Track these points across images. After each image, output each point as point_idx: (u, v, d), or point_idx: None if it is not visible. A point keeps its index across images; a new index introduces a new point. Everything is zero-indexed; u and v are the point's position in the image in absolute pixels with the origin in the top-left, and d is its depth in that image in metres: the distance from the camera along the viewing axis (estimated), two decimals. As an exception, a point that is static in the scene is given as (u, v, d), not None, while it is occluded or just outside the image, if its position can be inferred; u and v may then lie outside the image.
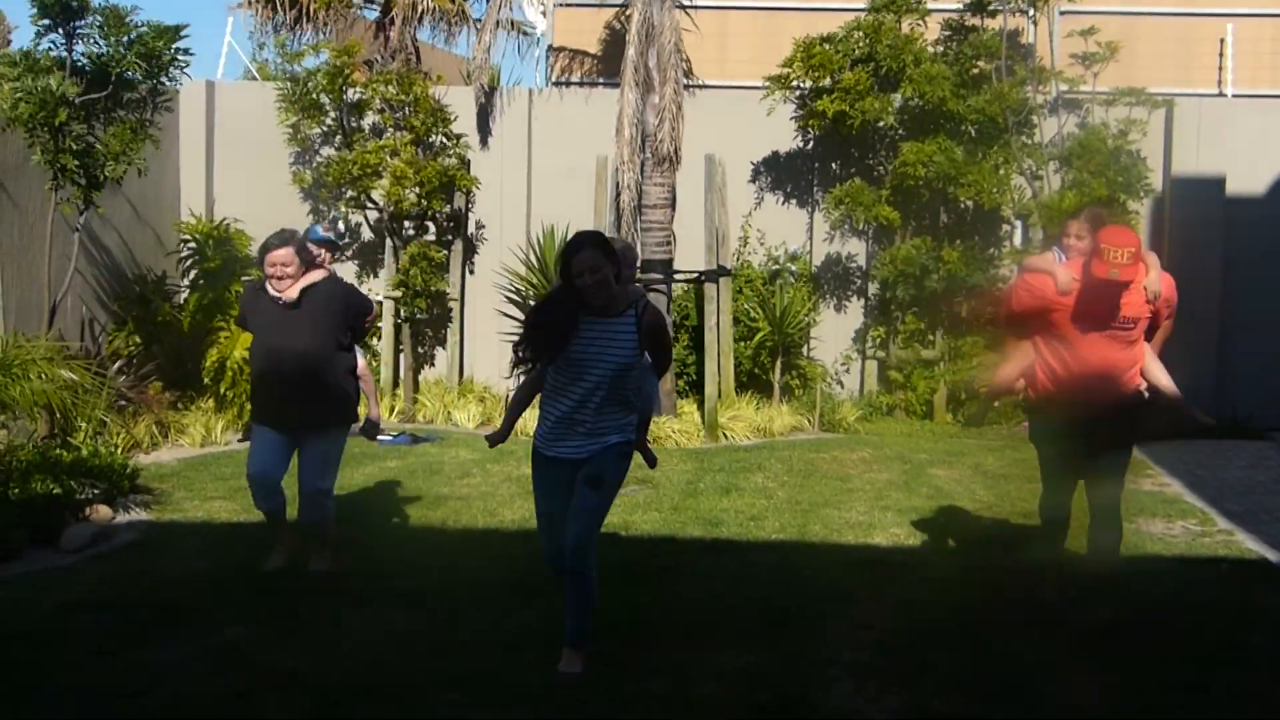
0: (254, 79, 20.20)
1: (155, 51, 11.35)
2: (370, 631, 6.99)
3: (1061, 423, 7.28)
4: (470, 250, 15.29)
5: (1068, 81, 14.49)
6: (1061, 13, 15.41)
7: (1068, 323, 7.09)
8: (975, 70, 14.46)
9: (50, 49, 11.16)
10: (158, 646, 6.65)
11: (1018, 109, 14.09)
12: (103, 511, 9.42)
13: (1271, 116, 14.95)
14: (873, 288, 15.15)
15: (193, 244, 13.91)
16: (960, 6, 14.76)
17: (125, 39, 11.28)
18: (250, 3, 16.59)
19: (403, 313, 14.90)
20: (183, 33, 11.61)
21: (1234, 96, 17.02)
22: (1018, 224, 14.85)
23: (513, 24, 17.53)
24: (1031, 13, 14.95)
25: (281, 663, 6.44)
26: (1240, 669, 6.65)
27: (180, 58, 11.67)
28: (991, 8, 14.54)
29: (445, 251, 15.01)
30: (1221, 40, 17.50)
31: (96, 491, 9.62)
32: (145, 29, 11.39)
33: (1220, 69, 17.59)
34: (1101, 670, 6.57)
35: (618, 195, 13.88)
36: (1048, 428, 7.49)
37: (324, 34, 16.38)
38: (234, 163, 15.47)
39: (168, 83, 11.73)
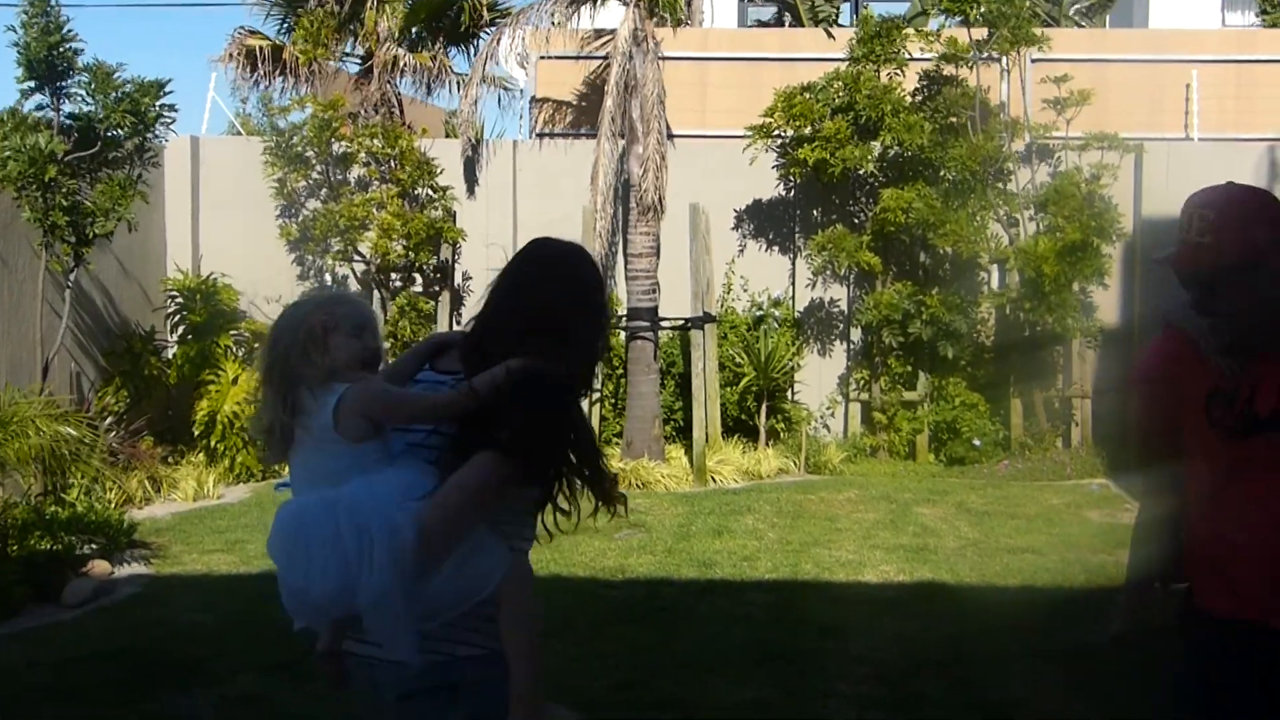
0: (238, 133, 20.37)
1: (141, 108, 11.51)
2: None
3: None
4: (458, 301, 15.45)
5: (1040, 129, 14.74)
6: (1033, 61, 15.67)
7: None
8: (952, 119, 14.72)
9: (36, 109, 11.32)
10: (174, 696, 6.77)
11: (993, 158, 14.34)
12: (102, 566, 9.49)
13: (1237, 159, 15.22)
14: (855, 332, 15.35)
15: (179, 299, 14.04)
16: (935, 56, 15.01)
17: (112, 96, 11.44)
18: (231, 56, 16.75)
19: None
20: (167, 88, 11.78)
21: (1200, 140, 17.32)
22: (994, 268, 15.09)
23: (495, 78, 17.76)
24: (1004, 61, 15.23)
25: (298, 709, 6.56)
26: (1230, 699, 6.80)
27: (166, 113, 11.85)
28: (965, 59, 14.80)
29: (433, 302, 15.16)
30: (1187, 85, 17.80)
31: (94, 547, 9.69)
32: (130, 86, 11.55)
33: (1187, 113, 17.88)
34: (1093, 700, 6.73)
35: (623, 245, 14.18)
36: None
37: (305, 88, 16.55)
38: (220, 217, 15.59)
39: (154, 139, 11.89)
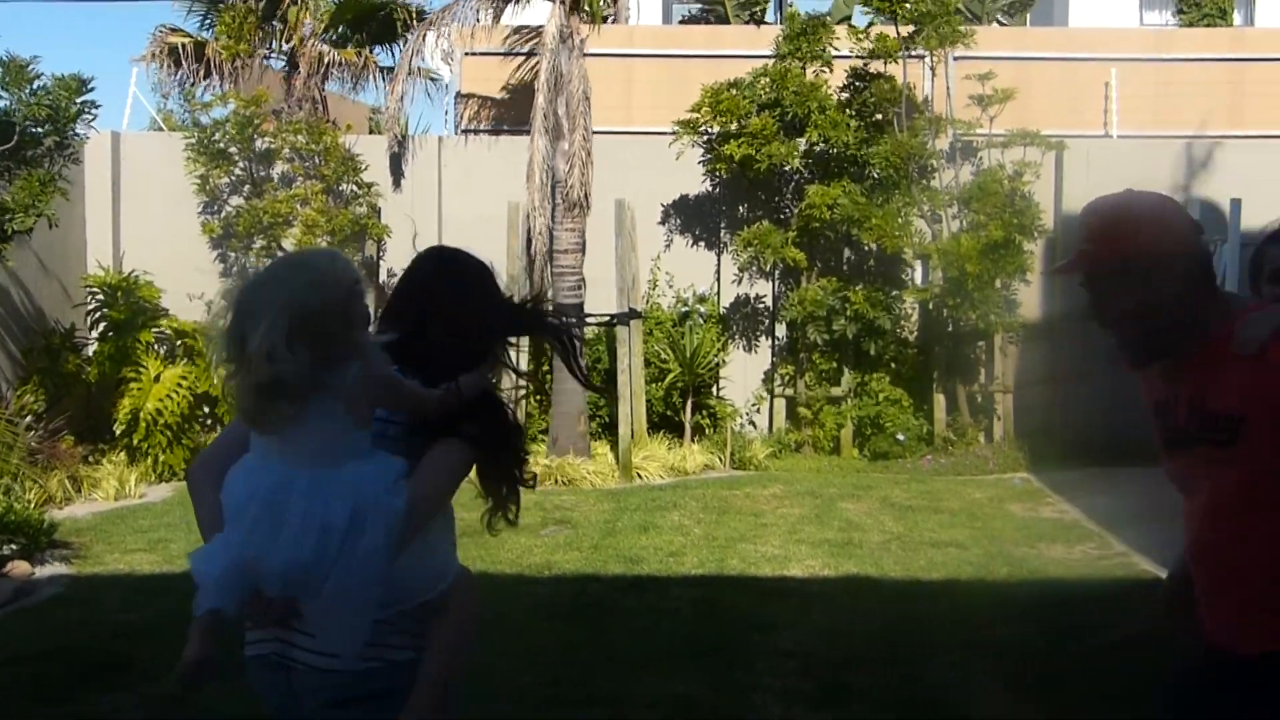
0: (160, 130, 20.18)
1: (60, 104, 11.37)
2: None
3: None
4: (382, 298, 15.37)
5: (964, 125, 14.85)
6: (956, 58, 15.80)
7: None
8: (877, 117, 14.82)
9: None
10: (98, 696, 6.71)
11: (918, 155, 14.44)
12: (22, 567, 9.38)
13: (1154, 155, 15.41)
14: (781, 328, 15.41)
15: (100, 295, 13.88)
16: (862, 53, 15.10)
17: (27, 91, 11.28)
18: (154, 56, 16.60)
19: (315, 361, 14.94)
20: (89, 85, 11.65)
21: (1119, 137, 17.52)
22: (918, 264, 15.20)
23: (421, 72, 17.69)
24: (930, 59, 15.35)
25: (226, 708, 6.50)
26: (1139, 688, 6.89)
27: (87, 110, 11.71)
28: (891, 56, 14.91)
29: (357, 299, 15.09)
30: (1107, 84, 18.01)
31: (14, 548, 9.55)
32: (49, 82, 11.41)
33: (1106, 111, 18.09)
34: (1014, 690, 6.81)
35: (529, 242, 14.09)
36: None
37: (230, 85, 16.43)
38: (141, 213, 15.43)
39: (75, 135, 11.75)
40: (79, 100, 11.56)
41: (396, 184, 15.71)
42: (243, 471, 3.16)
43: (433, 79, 18.16)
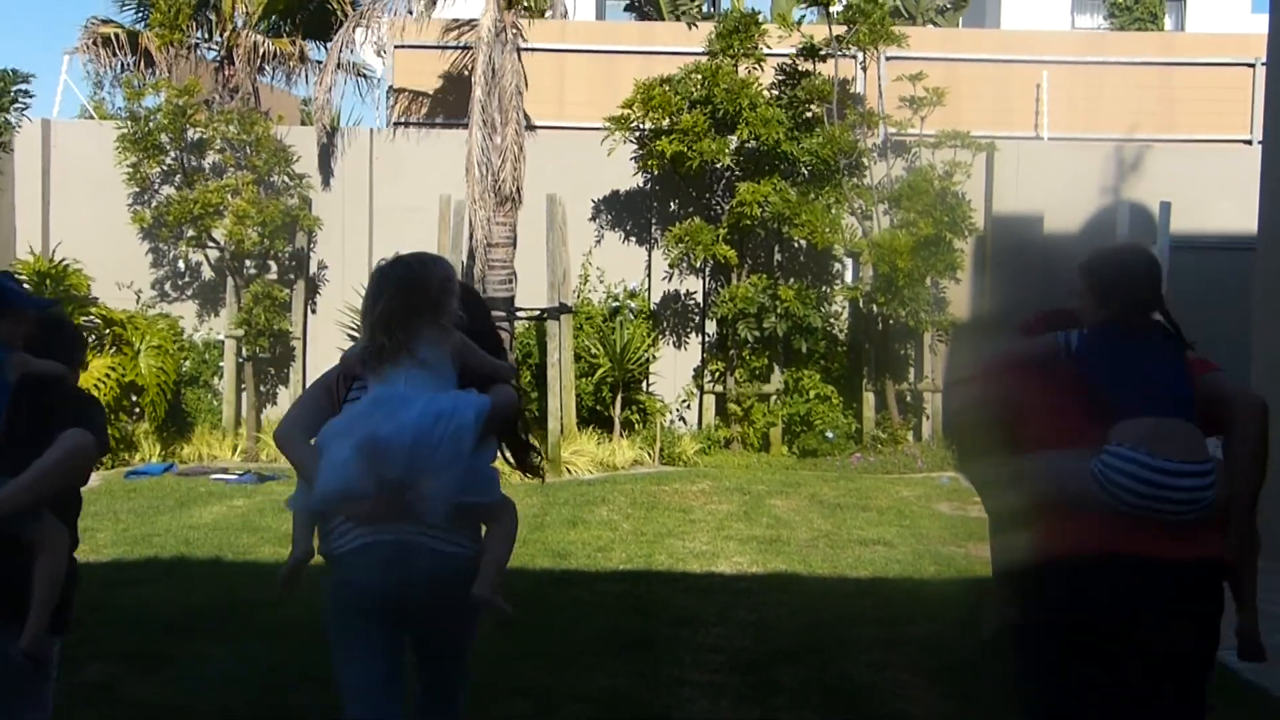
0: (91, 118, 20.01)
1: (-7, 95, 11.30)
2: (233, 665, 7.06)
3: None
4: (313, 289, 15.36)
5: (896, 125, 14.97)
6: (888, 58, 15.92)
7: None
8: (809, 114, 14.92)
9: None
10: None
11: (849, 151, 14.56)
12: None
13: (1084, 157, 15.62)
14: (711, 325, 15.49)
15: (28, 283, 13.76)
16: (793, 51, 15.20)
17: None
18: (88, 47, 16.45)
19: (245, 351, 14.91)
20: (28, 79, 11.58)
21: (1050, 139, 17.71)
22: (849, 262, 15.31)
23: (352, 65, 17.65)
24: (861, 58, 15.48)
25: (148, 697, 6.50)
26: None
27: (21, 99, 11.63)
28: (823, 53, 15.03)
29: (288, 291, 15.06)
30: (1038, 85, 18.19)
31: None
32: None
33: (1037, 113, 18.26)
34: (937, 685, 6.90)
35: (471, 234, 14.12)
36: None
37: (164, 74, 16.31)
38: (71, 202, 15.34)
39: (9, 123, 11.66)
40: (14, 89, 11.46)
41: (326, 177, 15.69)
42: (345, 415, 4.17)
43: (364, 75, 18.13)
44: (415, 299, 4.15)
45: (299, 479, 4.22)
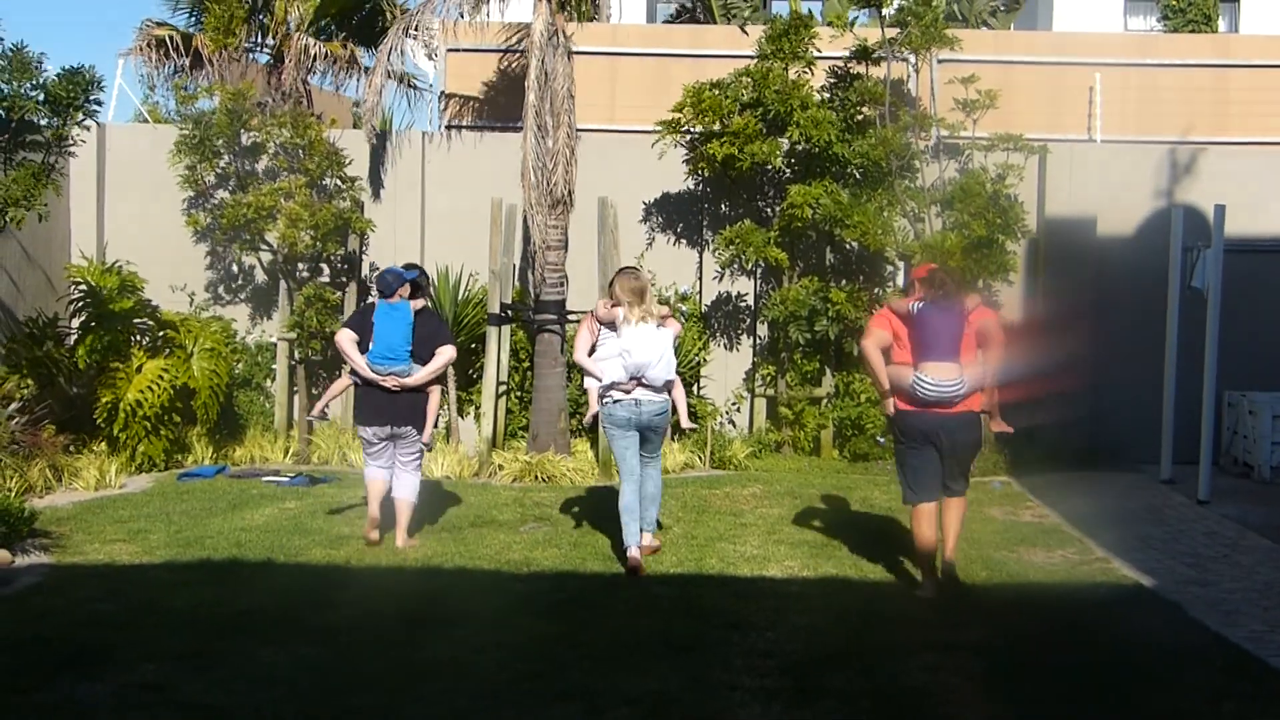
0: (145, 121, 20.15)
1: (65, 97, 11.35)
2: (282, 666, 7.08)
3: None
4: (365, 292, 15.40)
5: (948, 127, 14.88)
6: (940, 61, 15.85)
7: None
8: (860, 116, 14.86)
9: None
10: (77, 684, 6.70)
11: (901, 153, 14.49)
12: (2, 555, 9.38)
13: (1137, 160, 15.50)
14: (762, 327, 15.46)
15: (84, 286, 13.86)
16: (845, 54, 15.15)
17: (30, 83, 11.29)
18: (141, 49, 16.59)
19: (297, 354, 14.98)
20: (99, 82, 11.64)
21: (1102, 141, 17.59)
22: (900, 265, 15.24)
23: (402, 77, 17.77)
24: (913, 61, 15.41)
25: (200, 697, 6.53)
26: (1118, 689, 6.96)
27: (92, 106, 11.71)
28: (875, 55, 14.98)
29: (340, 293, 15.11)
30: (1091, 88, 18.08)
31: (-5, 535, 9.59)
32: (54, 75, 11.42)
33: (1090, 115, 18.16)
34: (988, 691, 6.86)
35: (527, 238, 14.18)
36: None
37: (217, 78, 16.43)
38: (126, 205, 15.47)
39: (77, 129, 11.74)
40: (89, 97, 11.54)
41: (378, 181, 15.73)
42: (610, 345, 9.70)
43: (414, 86, 18.22)
44: (641, 284, 9.74)
45: (588, 375, 9.77)
